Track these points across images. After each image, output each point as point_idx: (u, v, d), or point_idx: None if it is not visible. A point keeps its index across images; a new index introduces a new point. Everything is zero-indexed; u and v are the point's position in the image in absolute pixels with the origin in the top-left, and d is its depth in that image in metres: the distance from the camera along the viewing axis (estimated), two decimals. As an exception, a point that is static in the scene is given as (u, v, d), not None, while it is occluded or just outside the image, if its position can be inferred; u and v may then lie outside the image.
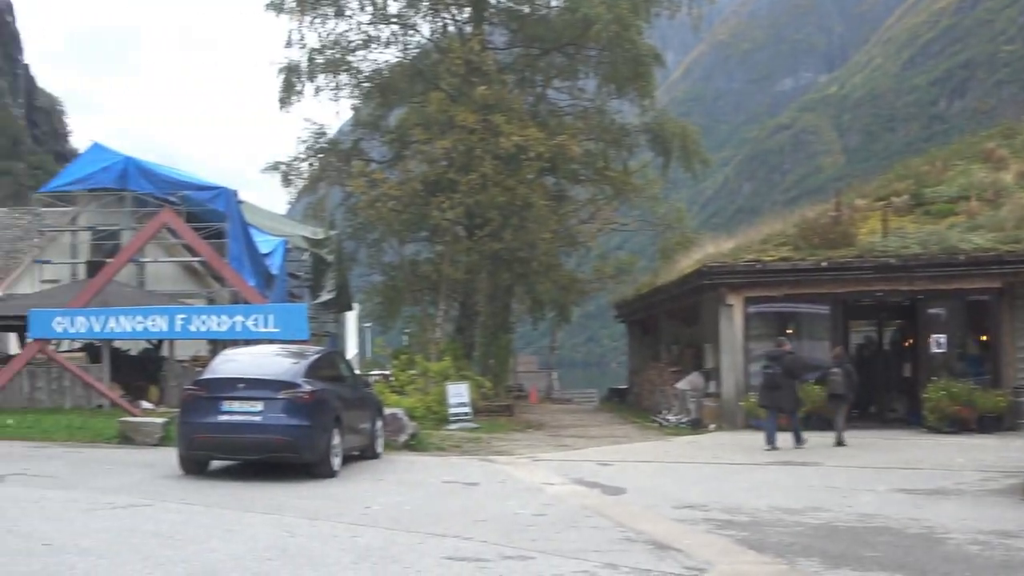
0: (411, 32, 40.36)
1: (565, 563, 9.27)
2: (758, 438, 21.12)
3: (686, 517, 12.33)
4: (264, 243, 36.09)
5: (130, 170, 34.20)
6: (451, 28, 40.07)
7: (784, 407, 21.24)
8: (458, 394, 27.41)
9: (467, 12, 39.37)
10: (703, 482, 15.99)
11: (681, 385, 28.99)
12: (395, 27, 39.81)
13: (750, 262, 26.09)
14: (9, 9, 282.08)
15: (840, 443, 21.07)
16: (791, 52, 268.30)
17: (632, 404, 38.58)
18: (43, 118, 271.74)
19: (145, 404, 27.42)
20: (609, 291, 45.15)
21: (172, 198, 33.19)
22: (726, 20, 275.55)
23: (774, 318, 26.79)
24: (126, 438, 20.59)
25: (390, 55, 40.30)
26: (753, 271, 25.96)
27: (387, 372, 35.29)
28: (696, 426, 26.55)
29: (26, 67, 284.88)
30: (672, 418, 28.07)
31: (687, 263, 30.45)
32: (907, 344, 28.50)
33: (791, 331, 26.26)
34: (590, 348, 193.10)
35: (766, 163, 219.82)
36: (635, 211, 44.25)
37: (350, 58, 38.97)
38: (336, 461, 15.49)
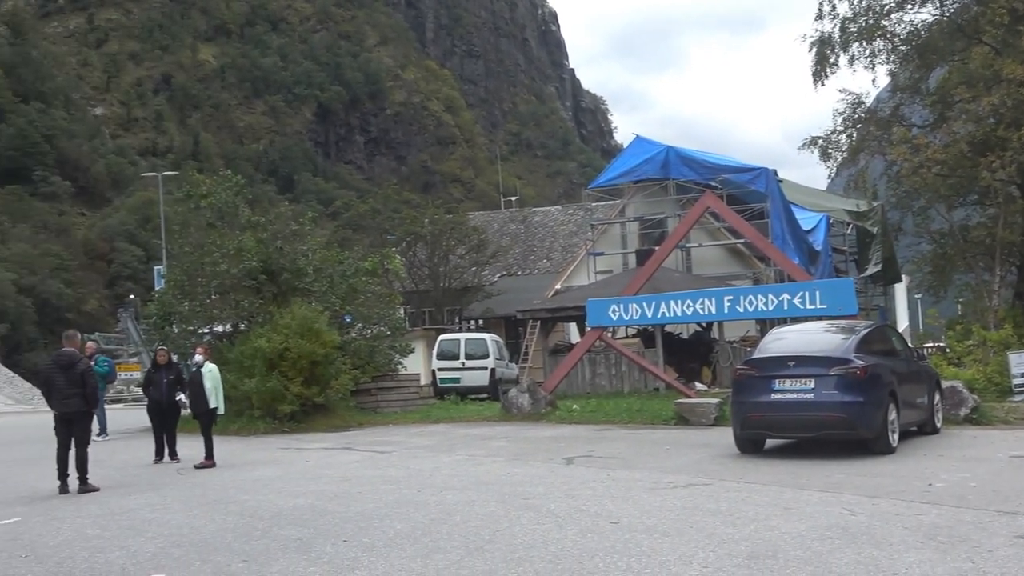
0: (948, -14, 38.21)
1: None
2: None
3: None
4: (806, 220, 35.75)
5: (671, 159, 35.12)
6: (992, -24, 37.50)
7: None
8: (1022, 363, 25.64)
9: (1010, -45, 36.70)
10: None
11: None
12: (931, -17, 37.87)
13: None
14: (554, 18, 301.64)
15: None
16: None
17: None
18: (588, 118, 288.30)
19: (699, 385, 28.04)
20: None
21: (713, 182, 33.66)
22: None
23: None
24: (682, 419, 21.18)
25: (926, 14, 38.41)
26: None
27: (942, 344, 33.76)
28: None
29: (571, 71, 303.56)
30: None
31: None
32: None
33: None
34: None
35: None
36: None
37: (884, 22, 37.51)
38: (894, 437, 14.98)
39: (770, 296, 22.55)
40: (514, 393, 25.39)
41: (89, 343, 25.88)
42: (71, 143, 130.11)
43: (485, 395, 33.24)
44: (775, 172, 34.29)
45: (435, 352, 35.22)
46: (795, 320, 21.33)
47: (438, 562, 8.49)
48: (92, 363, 18.33)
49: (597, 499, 11.53)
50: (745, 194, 34.51)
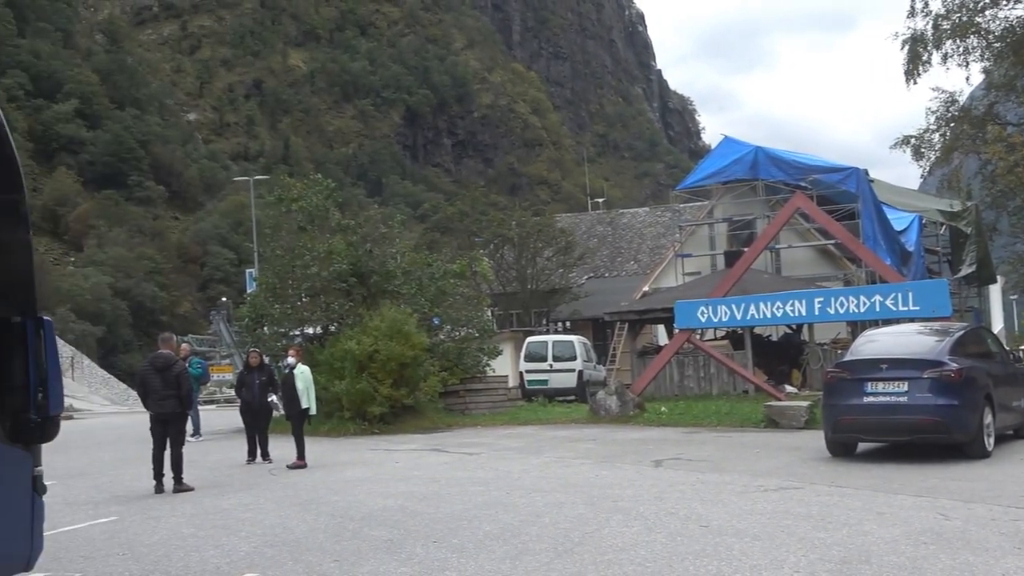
0: (1048, -18, 37.37)
1: None
2: None
3: None
4: (898, 220, 35.22)
5: (760, 159, 34.79)
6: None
7: None
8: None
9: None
10: None
11: None
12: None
13: None
14: (641, 19, 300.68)
15: None
16: None
17: None
18: (676, 119, 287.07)
19: (788, 388, 27.76)
20: None
21: (802, 183, 33.31)
22: None
23: None
24: (772, 422, 21.00)
25: (1021, 10, 37.62)
26: None
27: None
28: None
29: (659, 72, 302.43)
30: None
31: None
32: None
33: None
34: None
35: None
36: None
37: (978, 19, 36.84)
38: (989, 441, 14.72)
39: (862, 298, 22.29)
40: (602, 395, 25.36)
41: (183, 345, 26.37)
42: (165, 148, 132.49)
43: (573, 397, 33.24)
44: (866, 172, 33.82)
45: (523, 354, 35.30)
46: (887, 322, 21.05)
47: (527, 564, 8.53)
48: (187, 365, 18.67)
49: (686, 502, 11.49)
50: (835, 194, 34.10)
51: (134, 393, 47.28)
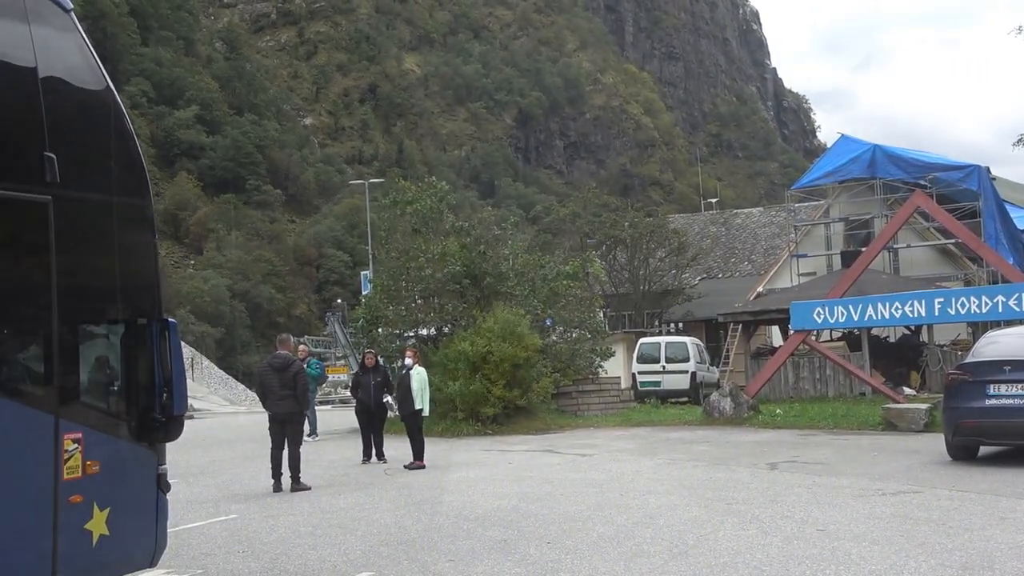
0: None
1: None
2: None
3: None
4: (1021, 219, 34.40)
5: (878, 158, 34.30)
6: None
7: None
8: None
9: None
10: None
11: None
12: None
13: None
14: (756, 17, 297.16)
15: None
16: None
17: None
18: (791, 117, 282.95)
19: (907, 390, 27.29)
20: None
21: (921, 181, 32.72)
22: None
23: None
24: (890, 424, 20.66)
25: None
26: None
27: None
28: None
29: (773, 71, 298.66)
30: None
31: None
32: None
33: None
34: None
35: None
36: None
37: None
38: (1118, 446, 14.30)
39: (983, 298, 21.81)
40: (716, 397, 25.18)
41: (301, 347, 26.75)
42: (282, 153, 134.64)
43: (686, 399, 33.01)
44: (988, 169, 33.11)
45: (635, 355, 35.12)
46: (1010, 323, 20.55)
47: (641, 566, 8.53)
48: (305, 366, 18.98)
49: (802, 505, 11.37)
50: (956, 193, 33.44)
51: (252, 393, 48.25)
